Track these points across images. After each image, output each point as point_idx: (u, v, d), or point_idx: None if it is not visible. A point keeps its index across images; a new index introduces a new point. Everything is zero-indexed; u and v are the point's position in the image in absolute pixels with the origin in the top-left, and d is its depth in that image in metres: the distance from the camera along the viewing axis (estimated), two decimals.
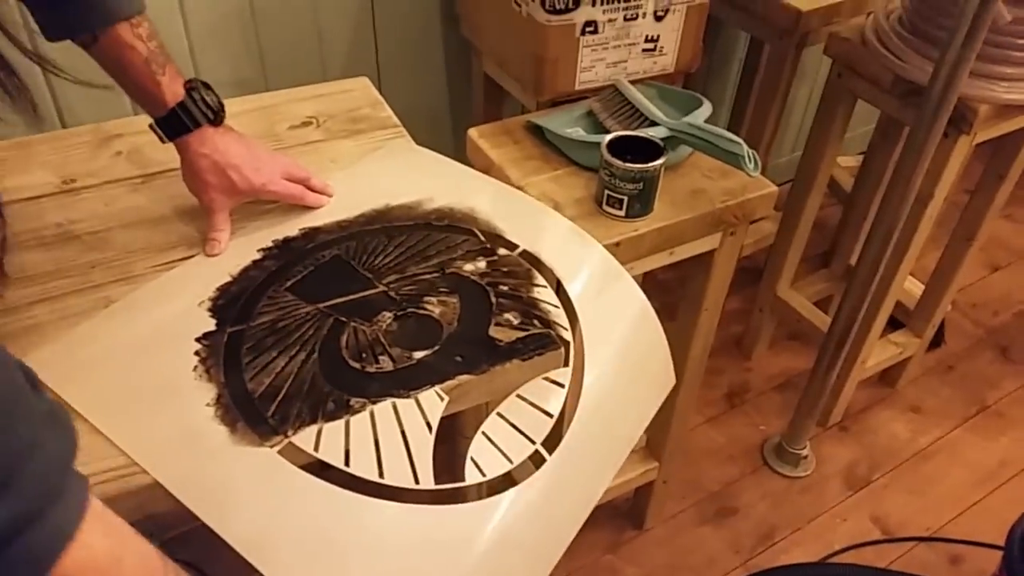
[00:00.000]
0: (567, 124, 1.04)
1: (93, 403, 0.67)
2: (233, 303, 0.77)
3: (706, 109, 1.01)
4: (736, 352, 1.74)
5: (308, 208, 0.87)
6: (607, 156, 0.88)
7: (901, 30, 1.21)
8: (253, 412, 0.67)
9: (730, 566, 1.36)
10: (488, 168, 1.02)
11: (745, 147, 0.89)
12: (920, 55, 1.17)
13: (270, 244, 0.84)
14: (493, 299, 0.79)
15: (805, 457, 1.50)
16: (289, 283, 0.80)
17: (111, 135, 0.98)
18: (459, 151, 1.04)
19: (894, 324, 1.62)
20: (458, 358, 0.73)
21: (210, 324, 0.74)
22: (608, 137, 0.91)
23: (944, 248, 1.50)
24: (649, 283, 1.58)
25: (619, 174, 0.88)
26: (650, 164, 0.88)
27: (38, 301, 0.76)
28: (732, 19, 1.50)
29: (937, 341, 1.74)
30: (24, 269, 0.80)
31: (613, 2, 1.04)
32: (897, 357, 1.58)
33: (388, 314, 0.77)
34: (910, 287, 1.65)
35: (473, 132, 1.05)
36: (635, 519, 1.40)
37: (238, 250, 0.83)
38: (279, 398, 0.69)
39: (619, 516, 1.41)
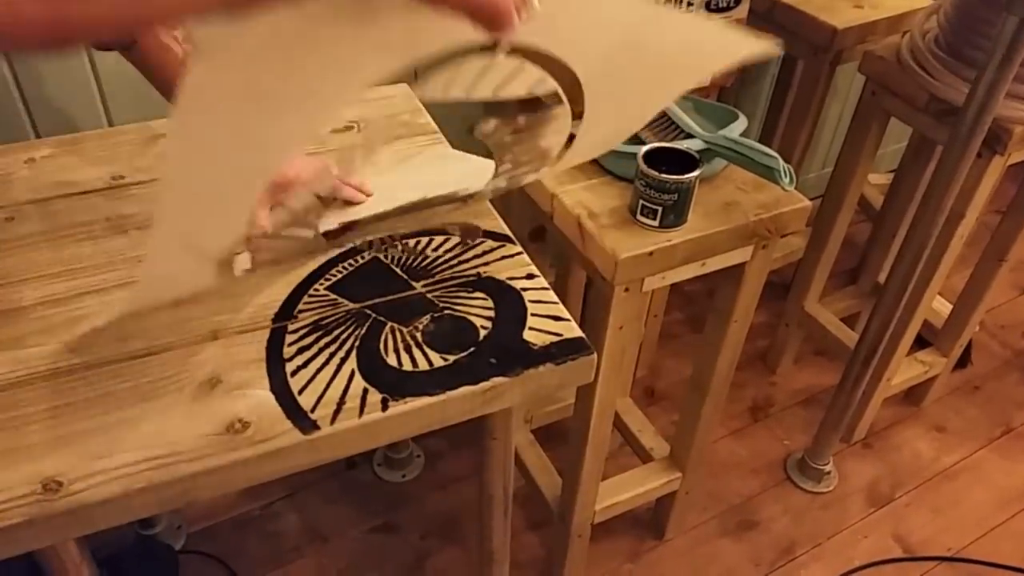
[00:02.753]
0: None
1: None
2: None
3: (741, 123, 1.02)
4: (761, 366, 1.74)
5: (348, 204, 0.89)
6: (643, 166, 0.90)
7: (937, 50, 1.21)
8: (296, 408, 0.69)
9: None
10: None
11: (781, 161, 0.90)
12: (956, 75, 1.18)
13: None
14: (527, 304, 0.81)
15: (828, 473, 1.50)
16: (330, 282, 0.82)
17: (157, 134, 1.01)
18: None
19: (921, 342, 1.62)
20: (492, 360, 0.75)
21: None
22: (645, 148, 0.92)
23: (974, 268, 1.50)
24: (676, 295, 1.59)
25: (654, 184, 0.89)
26: (685, 176, 0.89)
27: (87, 292, 0.79)
28: (768, 34, 1.50)
29: (964, 361, 1.74)
30: (74, 261, 0.82)
31: None
32: (923, 376, 1.58)
33: (425, 316, 0.78)
34: (938, 306, 1.64)
35: None
36: (656, 529, 1.41)
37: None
38: (321, 395, 0.70)
39: (640, 526, 1.42)
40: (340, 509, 1.38)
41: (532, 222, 1.10)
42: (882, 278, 1.70)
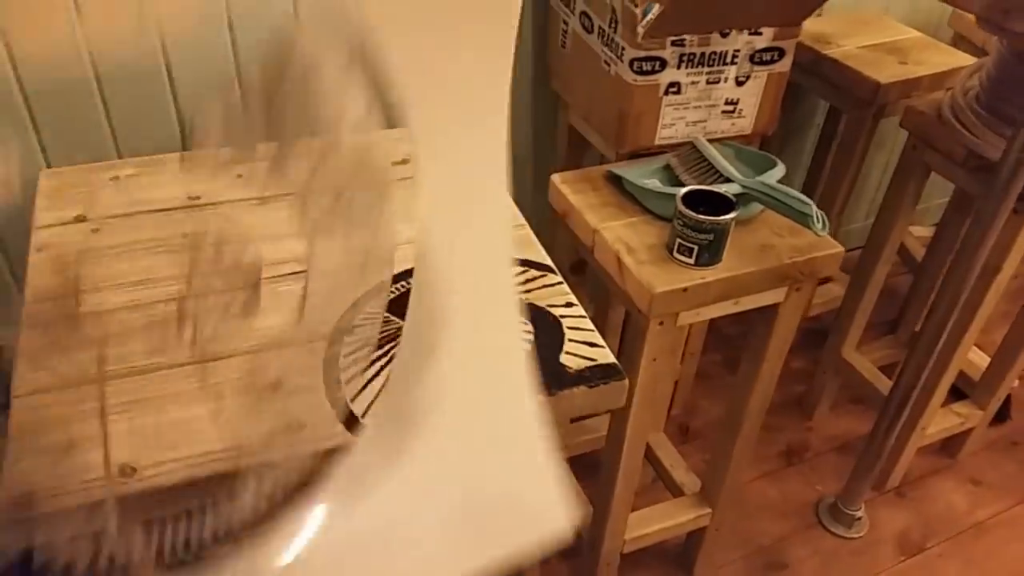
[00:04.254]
0: (645, 176, 1.11)
1: None
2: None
3: (779, 170, 1.07)
4: (798, 411, 1.75)
5: None
6: (681, 207, 0.95)
7: (977, 107, 1.25)
8: (347, 413, 0.75)
9: None
10: (567, 212, 1.10)
11: (814, 208, 0.95)
12: (994, 132, 1.21)
13: None
14: (565, 330, 0.86)
15: (859, 519, 1.51)
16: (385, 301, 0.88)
17: (229, 161, 1.09)
18: (538, 195, 1.11)
19: (958, 394, 1.62)
20: None
21: None
22: (684, 190, 0.97)
23: (1012, 323, 1.51)
24: (714, 336, 1.62)
25: (691, 224, 0.94)
26: (722, 217, 0.94)
27: (161, 301, 0.86)
28: (813, 86, 1.55)
29: (1003, 416, 1.73)
30: (152, 272, 0.90)
31: (697, 66, 1.11)
32: (958, 427, 1.58)
33: None
34: (976, 359, 1.65)
35: (556, 178, 1.13)
36: (685, 565, 1.43)
37: None
38: (371, 402, 0.76)
39: (669, 561, 1.44)
40: None
41: (573, 255, 1.16)
42: (920, 327, 1.71)
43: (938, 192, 2.04)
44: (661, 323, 1.00)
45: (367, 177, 0.53)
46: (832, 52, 1.48)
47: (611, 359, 0.83)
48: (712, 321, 1.56)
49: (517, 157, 1.54)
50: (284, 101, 0.50)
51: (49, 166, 1.19)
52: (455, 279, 0.55)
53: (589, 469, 1.25)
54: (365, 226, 0.57)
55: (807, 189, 1.85)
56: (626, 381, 0.82)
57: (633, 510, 1.29)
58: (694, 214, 0.94)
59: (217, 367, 0.79)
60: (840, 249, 1.03)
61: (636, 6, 1.04)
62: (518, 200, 1.37)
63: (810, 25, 1.53)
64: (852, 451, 1.66)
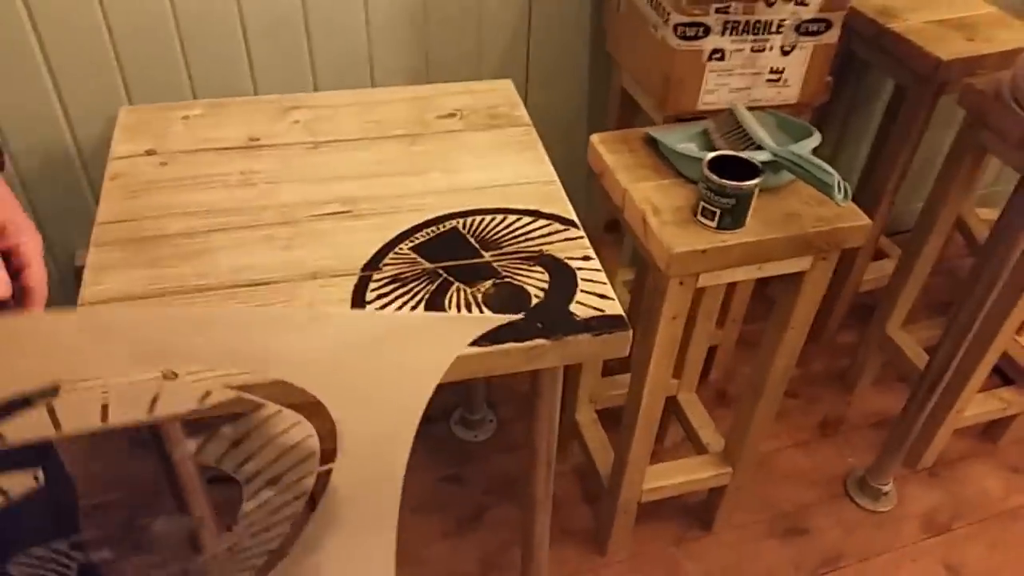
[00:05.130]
0: (682, 140, 1.14)
1: None
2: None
3: (813, 140, 1.08)
4: (839, 385, 1.76)
5: None
6: (706, 171, 0.98)
7: None
8: None
9: None
10: (603, 171, 1.14)
11: (837, 177, 0.96)
12: None
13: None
14: (579, 281, 0.91)
15: (886, 494, 1.52)
16: (413, 243, 0.95)
17: (291, 106, 1.17)
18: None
19: (1006, 380, 1.60)
20: (539, 324, 0.86)
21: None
22: (711, 155, 1.00)
23: None
24: (760, 302, 1.63)
25: (715, 189, 0.97)
26: (744, 183, 0.96)
27: (217, 230, 0.95)
28: (875, 60, 1.53)
29: None
30: (210, 204, 0.99)
31: (741, 34, 1.13)
32: (1000, 412, 1.57)
33: (488, 282, 0.90)
34: None
35: (595, 138, 1.17)
36: (704, 520, 1.48)
37: None
38: None
39: (689, 514, 1.49)
40: (416, 457, 1.51)
41: (608, 214, 1.20)
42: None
43: (1009, 175, 1.97)
44: (681, 283, 1.03)
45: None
46: (895, 26, 1.45)
47: (619, 311, 0.88)
48: (758, 288, 1.59)
49: (569, 117, 1.58)
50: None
51: (131, 103, 1.29)
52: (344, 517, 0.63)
53: (618, 420, 1.30)
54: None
55: (869, 164, 1.83)
56: (630, 332, 0.86)
57: (657, 463, 1.34)
58: (717, 178, 0.97)
59: (259, 292, 0.87)
60: (867, 221, 1.04)
61: None
62: (570, 158, 1.43)
63: None
64: (888, 427, 1.66)
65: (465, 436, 1.59)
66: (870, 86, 1.79)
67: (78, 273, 1.43)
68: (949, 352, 1.31)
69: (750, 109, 1.16)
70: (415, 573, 1.38)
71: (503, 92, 1.22)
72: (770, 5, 1.11)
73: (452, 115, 1.17)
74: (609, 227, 1.23)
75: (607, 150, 1.14)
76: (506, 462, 1.55)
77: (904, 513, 1.52)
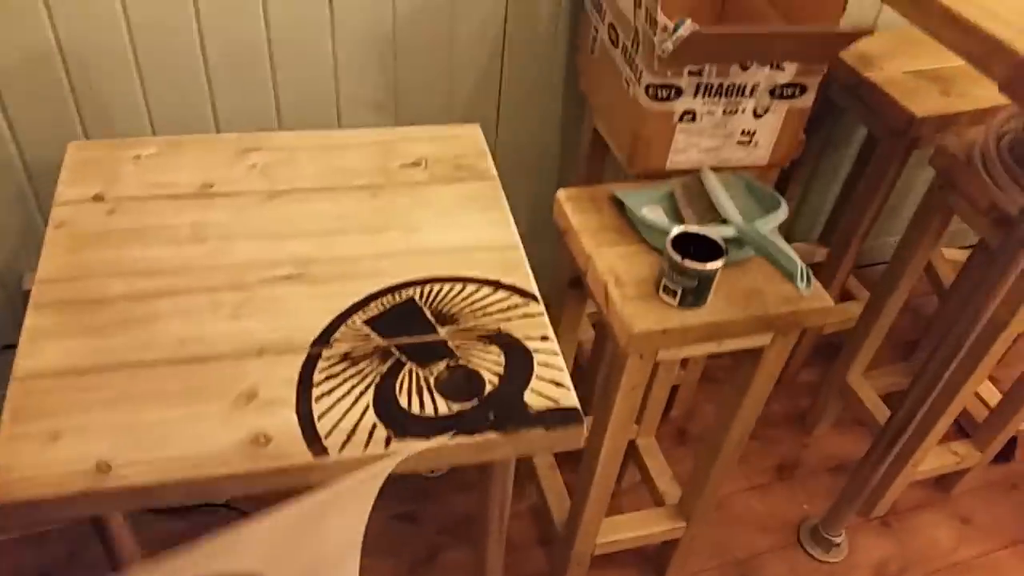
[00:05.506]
0: (650, 201, 1.12)
1: None
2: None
3: (780, 214, 1.06)
4: (799, 426, 1.76)
5: None
6: (669, 250, 0.96)
7: (1008, 157, 1.21)
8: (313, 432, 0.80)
9: None
10: (567, 231, 1.11)
11: (800, 265, 0.95)
12: (1020, 186, 1.18)
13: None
14: (535, 366, 0.89)
15: (838, 544, 1.53)
16: (367, 316, 0.92)
17: (250, 147, 1.12)
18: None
19: (962, 431, 1.61)
20: (491, 416, 0.83)
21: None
22: (675, 231, 0.98)
23: None
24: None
25: (676, 268, 0.96)
26: (707, 266, 0.95)
27: (163, 295, 0.91)
28: (850, 107, 1.52)
29: (1007, 455, 1.72)
30: (157, 262, 0.95)
31: (714, 96, 1.10)
32: (954, 466, 1.58)
33: (442, 363, 0.88)
34: (988, 394, 1.63)
35: (561, 194, 1.14)
36: (657, 568, 1.48)
37: None
38: (337, 422, 0.81)
39: (643, 561, 1.48)
40: None
41: (573, 272, 1.17)
42: None
43: None
44: (641, 356, 1.02)
45: None
46: (873, 75, 1.44)
47: (573, 403, 0.86)
48: None
49: (540, 157, 1.55)
50: None
51: (85, 129, 1.25)
52: None
53: (577, 461, 1.28)
54: None
55: (839, 204, 1.82)
56: (583, 426, 0.84)
57: (614, 510, 1.33)
58: (679, 259, 0.95)
59: (201, 369, 0.84)
60: (829, 303, 1.03)
61: (655, 33, 1.03)
62: (540, 192, 1.40)
63: (859, 43, 1.49)
64: (845, 473, 1.67)
65: (420, 472, 1.57)
66: (844, 127, 1.78)
67: (25, 297, 1.39)
68: (911, 409, 1.31)
69: (718, 170, 1.14)
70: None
71: (470, 139, 1.18)
72: (745, 69, 1.08)
73: (416, 164, 1.13)
74: (573, 283, 1.21)
75: (573, 208, 1.12)
76: (461, 501, 1.53)
77: (855, 563, 1.53)
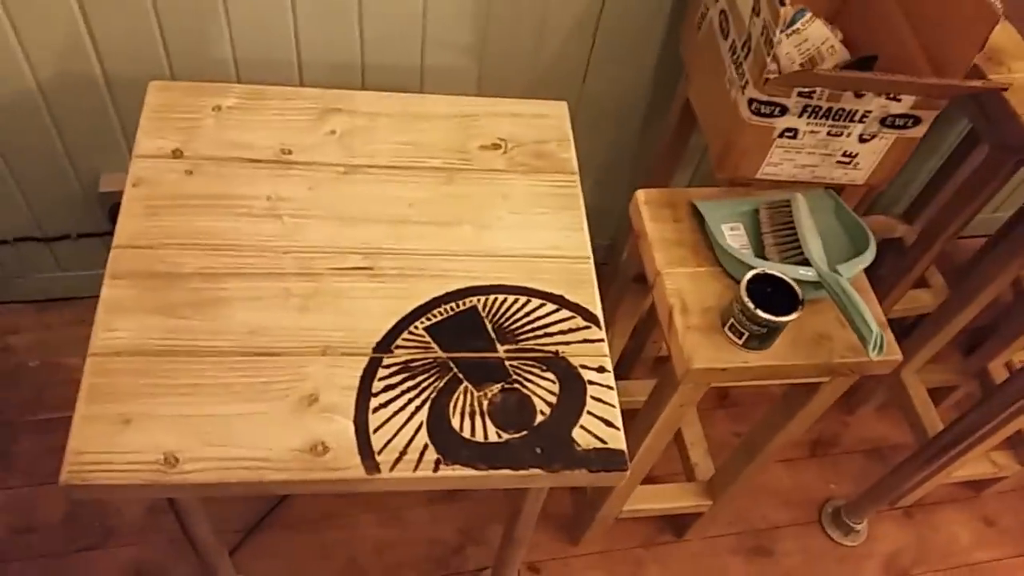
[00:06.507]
0: (731, 216, 1.08)
1: None
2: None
3: (867, 257, 1.02)
4: (842, 404, 1.76)
5: None
6: (742, 294, 0.94)
7: None
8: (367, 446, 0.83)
9: None
10: (640, 235, 1.09)
11: (875, 332, 0.92)
12: None
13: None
14: (588, 399, 0.90)
15: (857, 531, 1.57)
16: (429, 323, 0.93)
17: (331, 108, 1.10)
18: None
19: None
20: (538, 450, 0.86)
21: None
22: (751, 273, 0.95)
23: None
24: None
25: (748, 314, 0.94)
26: (780, 318, 0.92)
27: (234, 273, 0.93)
28: (962, 104, 1.41)
29: None
30: (231, 236, 0.96)
31: (821, 118, 1.03)
32: (990, 475, 1.58)
33: (497, 386, 0.89)
34: None
35: (640, 194, 1.10)
36: (677, 528, 1.54)
37: None
38: (390, 439, 0.84)
39: (664, 519, 1.55)
40: None
41: (638, 268, 1.16)
42: (993, 366, 1.66)
43: None
44: (694, 384, 1.02)
45: None
46: (997, 76, 1.32)
47: (621, 445, 0.87)
48: None
49: (631, 101, 1.48)
50: None
51: (172, 75, 1.24)
52: None
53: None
54: None
55: (923, 197, 1.71)
56: (627, 472, 0.86)
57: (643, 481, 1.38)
58: (752, 307, 0.93)
59: (267, 365, 0.87)
60: (898, 358, 1.01)
61: (770, 51, 0.96)
62: (621, 140, 1.38)
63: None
64: (879, 458, 1.69)
65: None
66: (947, 115, 1.65)
67: (101, 198, 1.42)
68: (969, 429, 1.30)
69: (808, 185, 1.09)
70: (394, 534, 1.47)
71: (555, 121, 1.13)
72: (859, 97, 1.01)
73: (496, 147, 1.10)
74: (638, 279, 1.19)
75: (650, 214, 1.09)
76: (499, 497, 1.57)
77: (869, 551, 1.58)
